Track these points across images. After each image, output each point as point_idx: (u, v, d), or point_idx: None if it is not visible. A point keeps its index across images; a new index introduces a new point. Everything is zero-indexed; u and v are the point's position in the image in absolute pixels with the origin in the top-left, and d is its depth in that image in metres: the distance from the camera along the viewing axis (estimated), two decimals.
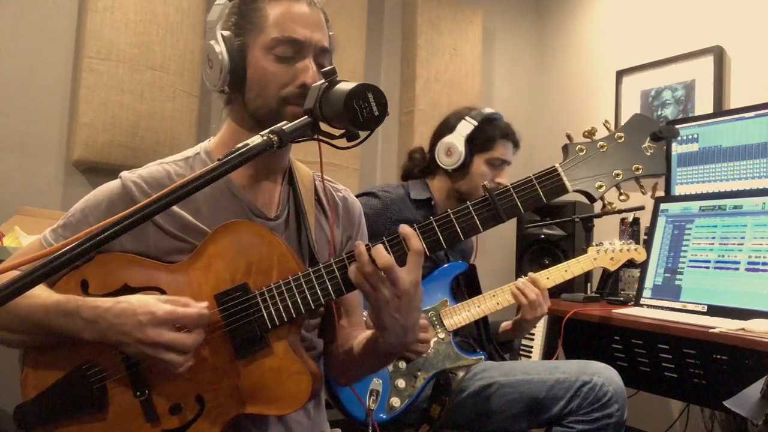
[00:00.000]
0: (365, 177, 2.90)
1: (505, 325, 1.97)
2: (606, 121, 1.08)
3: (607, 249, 1.95)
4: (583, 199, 1.04)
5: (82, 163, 2.21)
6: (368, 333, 1.11)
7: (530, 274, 1.83)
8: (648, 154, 1.03)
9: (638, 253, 1.97)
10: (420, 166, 2.02)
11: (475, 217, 0.99)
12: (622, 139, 1.03)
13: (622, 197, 1.03)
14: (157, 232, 1.05)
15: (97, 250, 0.71)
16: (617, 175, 1.02)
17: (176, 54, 2.33)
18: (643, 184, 1.05)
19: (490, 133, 1.91)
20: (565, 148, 1.03)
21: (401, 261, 0.96)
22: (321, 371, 1.17)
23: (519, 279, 1.83)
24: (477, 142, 1.90)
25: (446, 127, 1.96)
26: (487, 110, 1.96)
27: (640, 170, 1.02)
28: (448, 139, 1.91)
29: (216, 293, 1.00)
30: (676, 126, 2.38)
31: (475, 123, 1.90)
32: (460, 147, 1.88)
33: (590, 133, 1.04)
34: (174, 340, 0.92)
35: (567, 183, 1.01)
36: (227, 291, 1.00)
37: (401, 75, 3.10)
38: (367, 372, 1.20)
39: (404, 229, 0.97)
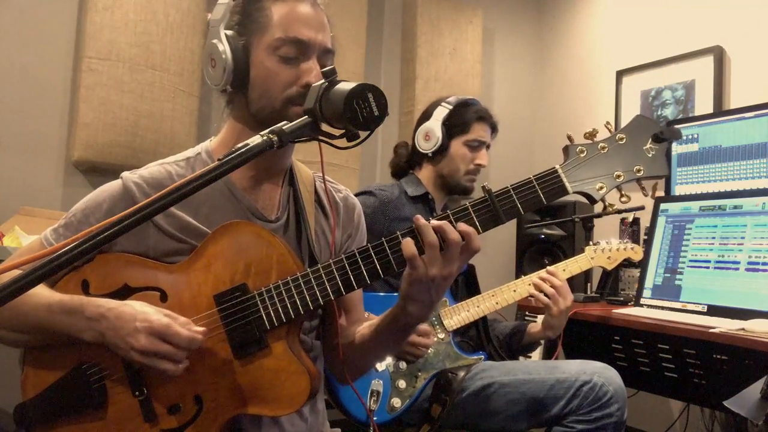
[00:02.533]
0: (365, 177, 2.90)
1: (533, 326, 1.94)
2: (607, 123, 1.08)
3: (604, 248, 1.95)
4: (584, 199, 1.04)
5: (82, 163, 2.21)
6: (378, 318, 1.11)
7: (547, 268, 1.83)
8: (650, 155, 1.03)
9: (635, 252, 1.97)
10: (405, 158, 2.06)
11: (475, 218, 0.98)
12: (624, 140, 1.03)
13: (623, 199, 1.03)
14: (157, 232, 1.05)
15: (97, 250, 0.71)
16: (618, 176, 1.02)
17: (176, 54, 2.33)
18: (644, 185, 1.05)
19: (465, 116, 1.96)
20: (566, 150, 1.03)
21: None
22: (319, 372, 1.17)
23: (534, 273, 1.82)
24: (454, 125, 1.95)
25: (425, 116, 2.01)
26: (462, 96, 2.01)
27: (641, 172, 1.02)
28: (425, 125, 1.96)
29: (215, 293, 1.00)
30: (676, 126, 2.40)
31: (450, 107, 1.96)
32: (437, 131, 1.93)
33: (591, 135, 1.03)
34: (167, 351, 0.92)
35: (567, 184, 1.00)
36: (226, 291, 1.00)
37: (401, 75, 3.11)
38: (375, 357, 1.19)
39: (440, 223, 0.96)
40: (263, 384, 0.99)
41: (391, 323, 1.07)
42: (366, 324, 1.18)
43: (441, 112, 1.95)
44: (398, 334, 1.10)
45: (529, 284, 1.81)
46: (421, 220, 0.95)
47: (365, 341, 1.14)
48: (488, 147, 2.00)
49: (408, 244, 0.94)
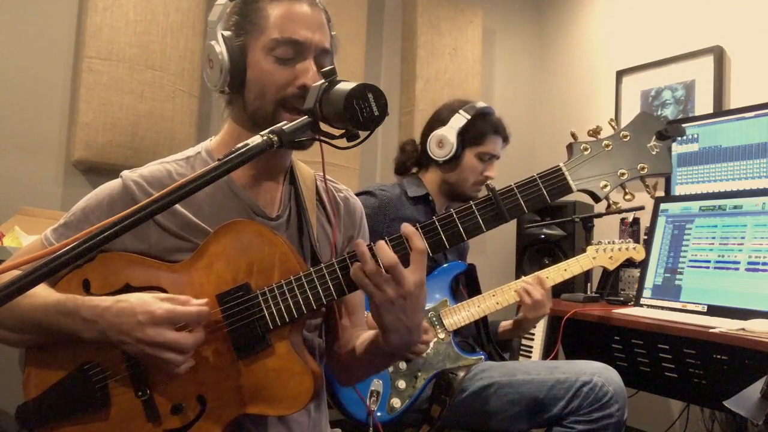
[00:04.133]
0: (365, 177, 2.90)
1: (505, 324, 1.97)
2: (611, 119, 1.07)
3: (606, 248, 1.95)
4: (584, 198, 1.04)
5: (82, 163, 2.21)
6: (371, 333, 1.10)
7: (536, 273, 1.84)
8: (654, 153, 1.02)
9: (637, 252, 1.97)
10: (413, 158, 2.04)
11: (479, 216, 0.98)
12: (628, 137, 1.02)
13: (627, 197, 1.02)
14: (158, 231, 1.05)
15: (98, 249, 0.71)
16: (622, 174, 1.01)
17: (176, 54, 2.32)
18: (648, 184, 1.05)
19: (482, 128, 1.93)
20: (570, 147, 1.02)
21: (404, 260, 0.95)
22: (322, 371, 1.17)
23: (524, 278, 1.84)
24: (469, 136, 1.93)
25: (438, 119, 1.98)
26: (480, 104, 1.98)
27: (646, 169, 1.01)
28: (440, 132, 1.93)
29: (218, 293, 1.00)
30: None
31: (468, 117, 1.93)
32: (452, 139, 1.91)
33: (595, 132, 1.03)
34: (174, 340, 0.92)
35: (571, 183, 1.00)
36: (229, 291, 1.00)
37: (401, 75, 3.10)
38: (370, 372, 1.20)
39: (407, 228, 0.97)
40: (266, 384, 0.99)
41: (376, 349, 1.07)
42: (362, 336, 1.17)
43: (458, 121, 1.92)
44: (383, 360, 1.12)
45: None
46: (362, 246, 0.95)
47: (360, 354, 1.13)
48: (498, 158, 1.99)
49: (355, 272, 0.96)
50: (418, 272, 0.95)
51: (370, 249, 0.95)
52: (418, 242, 0.95)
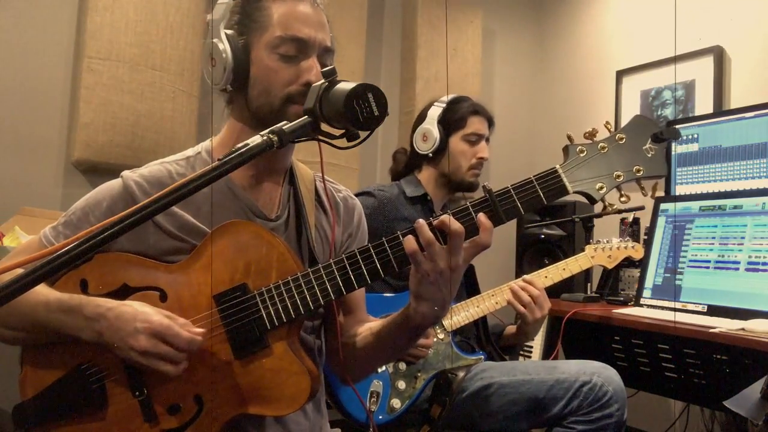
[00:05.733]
0: (365, 177, 2.90)
1: (509, 329, 1.96)
2: (607, 122, 1.08)
3: (605, 246, 1.95)
4: (584, 199, 1.04)
5: (82, 163, 2.21)
6: (387, 318, 1.10)
7: (524, 276, 1.83)
8: (649, 155, 1.03)
9: (635, 251, 1.97)
10: (403, 163, 2.06)
11: (475, 218, 0.98)
12: (623, 140, 1.03)
13: (622, 199, 1.03)
14: (156, 231, 1.05)
15: (98, 249, 0.72)
16: (618, 176, 1.02)
17: (176, 54, 2.32)
18: (644, 185, 1.05)
19: (460, 111, 1.96)
20: (566, 149, 1.03)
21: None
22: (320, 372, 1.17)
23: (513, 282, 1.83)
24: (449, 123, 1.95)
25: (420, 118, 2.01)
26: (455, 96, 2.01)
27: (641, 172, 1.02)
28: (421, 127, 1.96)
29: (215, 293, 1.00)
30: (676, 126, 2.40)
31: (444, 105, 1.96)
32: (434, 130, 1.93)
33: (591, 134, 1.04)
34: (166, 352, 0.93)
35: (567, 184, 1.01)
36: (226, 291, 1.00)
37: (401, 75, 3.10)
38: (380, 360, 1.19)
39: (442, 218, 0.97)
40: (264, 384, 0.99)
41: (402, 324, 1.06)
42: (370, 325, 1.17)
43: (435, 112, 1.95)
44: (408, 335, 1.10)
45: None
46: (419, 221, 0.95)
47: (371, 343, 1.13)
48: (487, 140, 1.99)
49: (409, 241, 0.95)
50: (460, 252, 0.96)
51: (429, 224, 0.96)
52: (456, 224, 0.95)
